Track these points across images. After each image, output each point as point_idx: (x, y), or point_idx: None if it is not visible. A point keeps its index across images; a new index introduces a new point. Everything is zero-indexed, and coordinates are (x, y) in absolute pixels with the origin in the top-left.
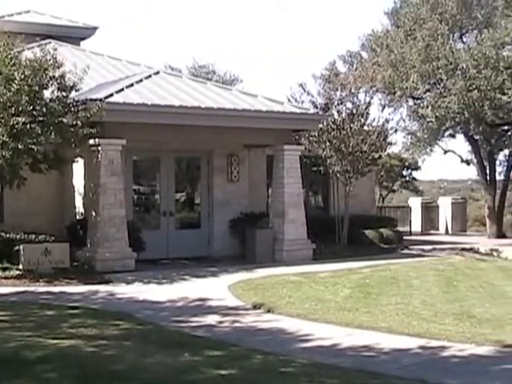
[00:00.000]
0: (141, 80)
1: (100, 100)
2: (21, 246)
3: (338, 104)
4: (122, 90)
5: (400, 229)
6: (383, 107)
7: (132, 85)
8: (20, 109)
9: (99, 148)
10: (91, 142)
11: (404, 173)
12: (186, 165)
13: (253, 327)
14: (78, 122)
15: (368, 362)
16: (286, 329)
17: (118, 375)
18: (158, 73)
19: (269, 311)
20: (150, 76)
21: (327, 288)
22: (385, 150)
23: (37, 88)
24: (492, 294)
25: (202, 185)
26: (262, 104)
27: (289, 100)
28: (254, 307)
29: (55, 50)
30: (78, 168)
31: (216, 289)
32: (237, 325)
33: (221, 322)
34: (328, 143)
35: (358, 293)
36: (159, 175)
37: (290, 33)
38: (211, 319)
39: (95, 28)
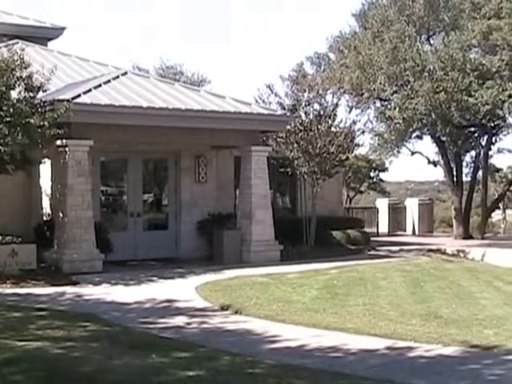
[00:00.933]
0: (108, 81)
1: (67, 101)
2: None
3: (305, 105)
4: (90, 90)
5: (367, 230)
6: (350, 109)
7: (100, 85)
8: None
9: (66, 149)
10: (58, 142)
11: (371, 174)
12: (154, 166)
13: (220, 328)
14: (46, 123)
15: (335, 362)
16: (253, 330)
17: (85, 377)
18: (125, 73)
19: (236, 312)
20: (117, 77)
21: (294, 289)
22: (352, 152)
23: (4, 88)
24: (459, 295)
25: (170, 186)
26: (229, 105)
27: (256, 101)
28: (222, 308)
29: (22, 50)
30: (45, 169)
31: (183, 290)
32: (204, 326)
33: (188, 324)
34: (295, 144)
35: (326, 294)
36: (127, 176)
37: (257, 34)
38: (179, 320)
39: (63, 28)
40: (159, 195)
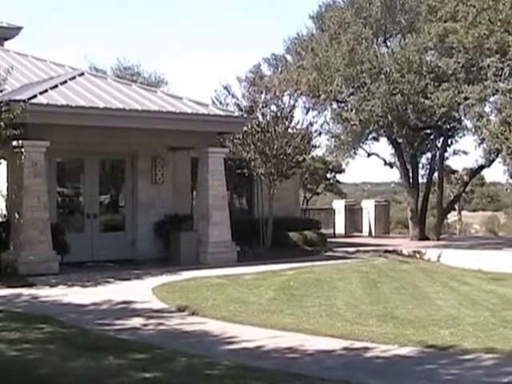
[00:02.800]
0: (65, 81)
1: (23, 101)
2: None
3: (262, 107)
4: (46, 91)
5: (324, 231)
6: (307, 110)
7: (56, 86)
8: None
9: (22, 150)
10: (14, 143)
11: (328, 175)
12: (111, 167)
13: (177, 330)
14: (1, 124)
15: (292, 363)
16: (210, 331)
17: (41, 379)
18: (82, 74)
19: (193, 314)
20: (74, 77)
21: (251, 290)
22: (309, 153)
23: None
24: (415, 296)
25: (127, 187)
26: (186, 106)
27: (214, 102)
28: (179, 310)
29: None
30: (1, 170)
31: (140, 291)
32: (161, 327)
33: (145, 325)
34: (252, 146)
35: (283, 295)
36: (83, 177)
37: (215, 35)
38: (136, 322)
39: (19, 28)
40: (116, 196)
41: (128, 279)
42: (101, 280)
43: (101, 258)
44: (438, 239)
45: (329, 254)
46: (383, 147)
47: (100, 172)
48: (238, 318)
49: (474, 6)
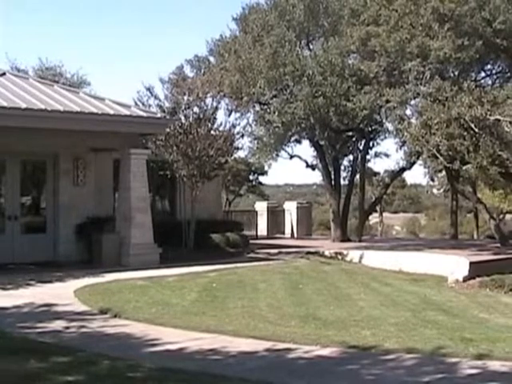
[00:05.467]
0: None
1: None
2: None
3: (185, 108)
4: None
5: (246, 233)
6: (230, 112)
7: None
8: None
9: None
10: None
11: (250, 177)
12: (32, 168)
13: (100, 332)
14: None
15: (215, 365)
16: (133, 333)
17: None
18: (3, 74)
19: (116, 316)
20: None
21: (174, 292)
22: (231, 155)
23: None
24: (337, 297)
25: (48, 188)
26: (109, 107)
27: (136, 104)
28: (101, 312)
29: None
30: None
31: (62, 294)
32: (84, 330)
33: (67, 328)
34: (175, 147)
35: (205, 297)
36: (4, 178)
37: (139, 36)
38: (58, 325)
39: None
40: (37, 198)
41: (50, 281)
42: (22, 282)
43: (22, 260)
44: (360, 241)
45: (251, 255)
46: (305, 149)
47: (21, 173)
48: (160, 320)
49: (396, 11)
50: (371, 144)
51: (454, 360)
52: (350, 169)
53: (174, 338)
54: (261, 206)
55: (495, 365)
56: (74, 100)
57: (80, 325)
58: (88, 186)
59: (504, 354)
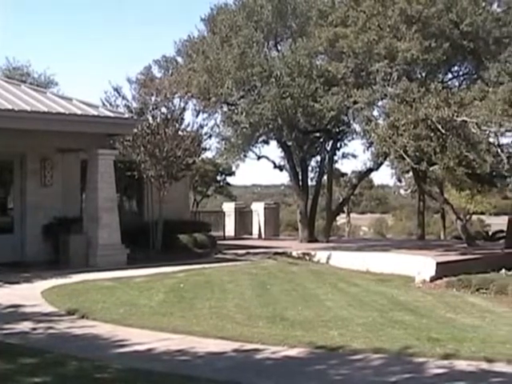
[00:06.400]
0: None
1: None
2: None
3: (152, 109)
4: None
5: (214, 233)
6: (198, 113)
7: None
8: None
9: None
10: None
11: (218, 178)
12: None
13: (67, 333)
14: None
15: (183, 366)
16: (101, 334)
17: None
18: None
19: (83, 317)
20: None
21: (142, 293)
22: (199, 156)
23: None
24: (304, 297)
25: (15, 189)
26: (76, 107)
27: (104, 104)
28: (69, 313)
29: None
30: None
31: (30, 295)
32: (51, 331)
33: (35, 329)
34: (142, 148)
35: (173, 297)
36: None
37: (107, 36)
38: (25, 326)
39: None
40: (4, 198)
41: (17, 282)
42: None
43: None
44: (327, 241)
45: (219, 256)
46: (273, 150)
47: None
48: (128, 320)
49: (364, 12)
50: (339, 145)
51: (420, 360)
52: (318, 169)
53: (141, 338)
54: (228, 207)
55: (462, 364)
56: (42, 100)
57: (47, 326)
58: (55, 187)
59: (470, 354)
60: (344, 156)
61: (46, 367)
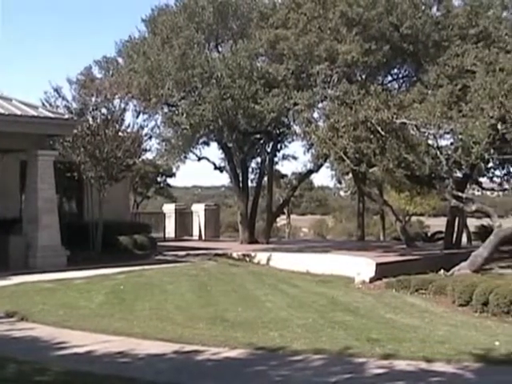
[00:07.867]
0: None
1: None
2: None
3: (93, 110)
4: None
5: (154, 235)
6: (138, 114)
7: None
8: None
9: None
10: None
11: (158, 179)
12: None
13: (6, 336)
14: None
15: (124, 368)
16: (40, 337)
17: None
18: None
19: (23, 319)
20: None
21: (82, 295)
22: (139, 157)
23: None
24: (244, 298)
25: None
26: (16, 108)
27: (44, 104)
28: (8, 315)
29: None
30: None
31: None
32: None
33: None
34: (82, 149)
35: (113, 299)
36: None
37: (46, 37)
38: None
39: None
40: None
41: None
42: None
43: None
44: (268, 242)
45: (159, 257)
46: (214, 151)
47: None
48: (68, 322)
49: (305, 14)
50: (279, 146)
51: (361, 360)
52: (258, 171)
53: (81, 340)
54: (169, 208)
55: (401, 364)
56: None
57: None
58: None
59: (410, 354)
60: (284, 157)
61: None
